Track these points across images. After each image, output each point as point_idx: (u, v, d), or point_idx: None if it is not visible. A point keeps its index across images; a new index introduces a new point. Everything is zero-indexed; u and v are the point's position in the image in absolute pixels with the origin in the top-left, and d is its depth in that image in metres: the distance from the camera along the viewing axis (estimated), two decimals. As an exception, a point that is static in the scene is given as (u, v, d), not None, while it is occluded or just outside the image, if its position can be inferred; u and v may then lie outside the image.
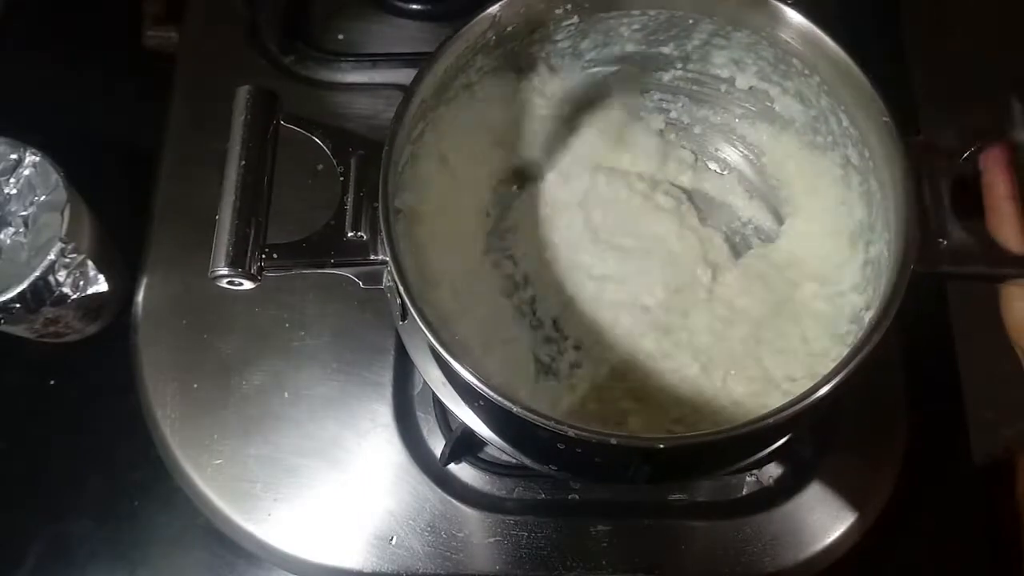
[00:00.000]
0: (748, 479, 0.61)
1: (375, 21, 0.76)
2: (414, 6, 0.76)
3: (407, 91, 0.50)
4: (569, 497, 0.62)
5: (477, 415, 0.52)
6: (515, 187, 0.64)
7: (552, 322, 0.61)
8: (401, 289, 0.45)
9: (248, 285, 0.47)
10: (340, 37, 0.76)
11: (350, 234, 0.48)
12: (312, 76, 0.73)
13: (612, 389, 0.58)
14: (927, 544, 0.62)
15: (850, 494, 0.60)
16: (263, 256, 0.47)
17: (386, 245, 0.46)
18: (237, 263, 0.46)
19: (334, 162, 0.50)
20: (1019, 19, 0.75)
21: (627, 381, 0.58)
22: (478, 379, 0.43)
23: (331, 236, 0.48)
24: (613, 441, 0.42)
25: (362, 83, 0.73)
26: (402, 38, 0.75)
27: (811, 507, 0.60)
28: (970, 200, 0.47)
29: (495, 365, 0.57)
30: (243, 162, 0.48)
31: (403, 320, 0.49)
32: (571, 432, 0.42)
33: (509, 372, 0.58)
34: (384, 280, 0.50)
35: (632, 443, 0.44)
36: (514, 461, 0.62)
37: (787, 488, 0.61)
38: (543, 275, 0.61)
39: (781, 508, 0.60)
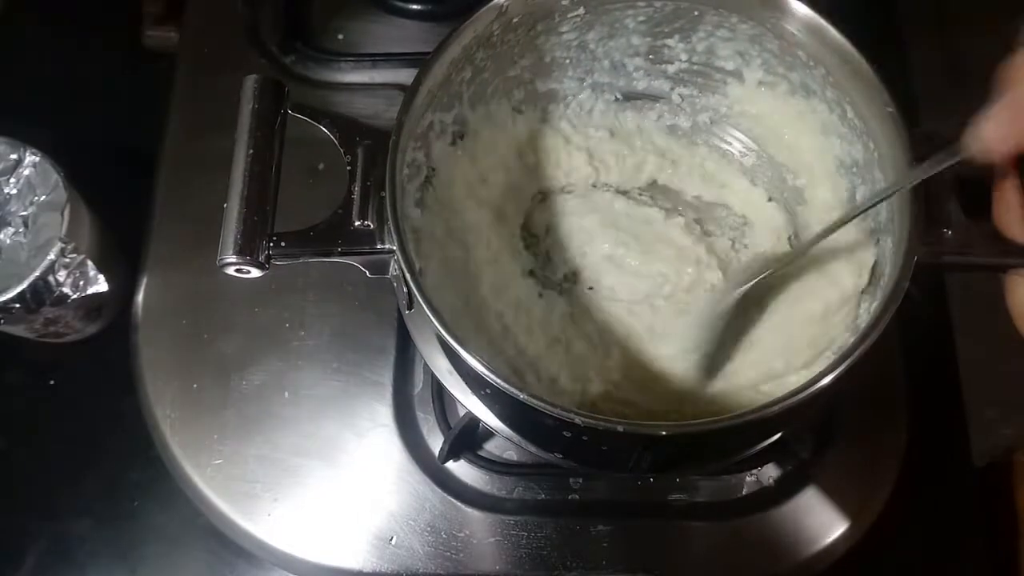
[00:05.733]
0: (748, 479, 0.61)
1: (375, 21, 0.76)
2: (414, 6, 0.76)
3: (414, 81, 0.51)
4: (569, 497, 0.62)
5: (484, 403, 0.52)
6: (538, 197, 0.64)
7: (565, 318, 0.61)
8: (408, 278, 0.45)
9: (256, 273, 0.47)
10: (340, 37, 0.76)
11: (357, 223, 0.49)
12: (312, 76, 0.73)
13: (621, 388, 0.58)
14: (927, 544, 0.63)
15: (850, 494, 0.60)
16: (271, 244, 0.47)
17: (393, 234, 0.46)
18: (245, 251, 0.46)
19: (341, 151, 0.50)
20: (1021, 12, 0.74)
21: (636, 380, 0.58)
22: (485, 367, 0.43)
23: (338, 225, 0.49)
24: (620, 428, 0.42)
25: (362, 83, 0.73)
26: (402, 38, 0.75)
27: (811, 507, 0.60)
28: (972, 191, 0.47)
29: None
30: (251, 151, 0.48)
31: (410, 309, 0.49)
32: (578, 420, 0.42)
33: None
34: (391, 269, 0.50)
35: (638, 430, 0.44)
36: (514, 460, 0.63)
37: (787, 488, 0.61)
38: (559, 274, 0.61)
39: (781, 508, 0.60)
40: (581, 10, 0.56)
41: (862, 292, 0.55)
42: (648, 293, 0.60)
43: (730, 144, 0.64)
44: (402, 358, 0.64)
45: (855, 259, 0.55)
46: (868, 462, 0.61)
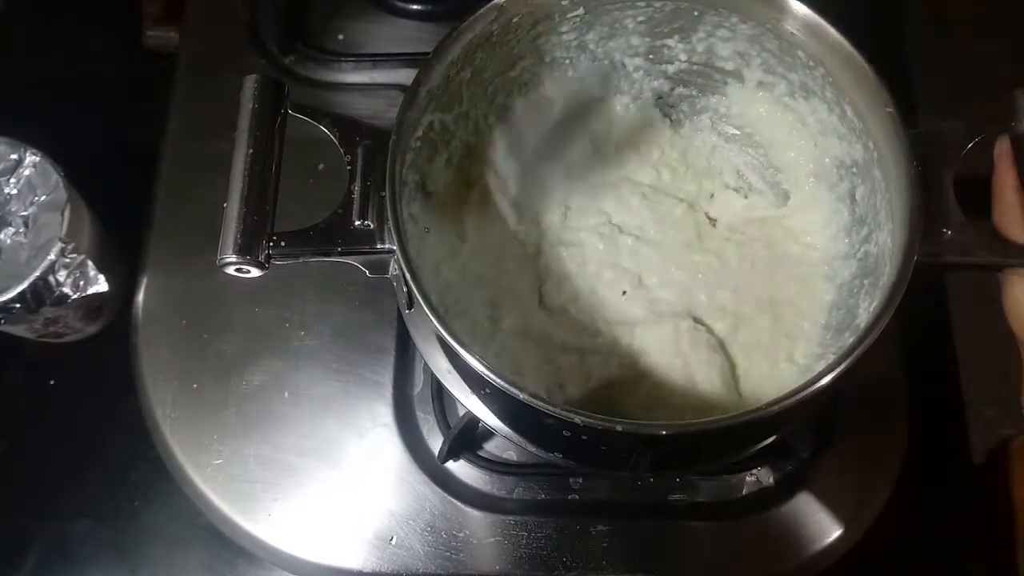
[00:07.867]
0: (748, 479, 0.62)
1: (375, 21, 0.76)
2: (414, 6, 0.76)
3: (414, 81, 0.51)
4: (569, 497, 0.62)
5: (484, 403, 0.52)
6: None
7: (561, 313, 0.60)
8: (408, 277, 0.46)
9: (255, 273, 0.47)
10: (340, 37, 0.76)
11: (357, 223, 0.49)
12: (312, 76, 0.73)
13: (619, 385, 0.58)
14: (927, 544, 0.63)
15: (850, 494, 0.60)
16: (271, 244, 0.47)
17: (393, 234, 0.46)
18: (245, 251, 0.46)
19: (341, 151, 0.50)
20: (1021, 12, 0.75)
21: (634, 378, 0.58)
22: (485, 366, 0.43)
23: (338, 225, 0.49)
24: (619, 428, 0.42)
25: (362, 83, 0.73)
26: (402, 38, 0.75)
27: (811, 507, 0.60)
28: (972, 191, 0.48)
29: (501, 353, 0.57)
30: (251, 151, 0.48)
31: (409, 309, 0.49)
32: (578, 419, 0.42)
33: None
34: (391, 269, 0.50)
35: (637, 429, 0.44)
36: (514, 460, 0.63)
37: (787, 488, 0.61)
38: (554, 272, 0.61)
39: (781, 508, 0.60)
40: (581, 10, 0.56)
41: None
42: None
43: (729, 144, 0.64)
44: (402, 358, 0.64)
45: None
46: (868, 462, 0.61)
